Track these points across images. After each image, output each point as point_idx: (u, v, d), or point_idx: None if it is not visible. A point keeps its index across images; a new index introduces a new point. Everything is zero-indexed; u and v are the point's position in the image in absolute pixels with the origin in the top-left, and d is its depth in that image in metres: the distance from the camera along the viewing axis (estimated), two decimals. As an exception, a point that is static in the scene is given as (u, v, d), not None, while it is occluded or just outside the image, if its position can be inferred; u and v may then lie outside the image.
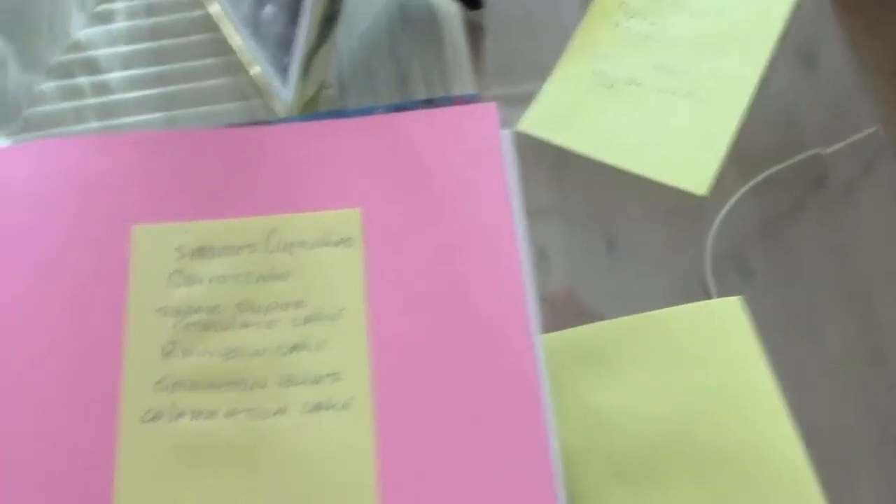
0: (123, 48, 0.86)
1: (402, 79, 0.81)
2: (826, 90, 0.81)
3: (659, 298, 0.71)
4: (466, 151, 0.66)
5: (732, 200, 0.75)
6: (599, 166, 0.77)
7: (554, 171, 0.78)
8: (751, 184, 0.75)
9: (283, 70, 0.77)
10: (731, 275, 0.73)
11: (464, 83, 0.81)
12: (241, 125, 0.70)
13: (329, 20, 0.74)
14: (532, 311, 0.62)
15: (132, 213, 0.65)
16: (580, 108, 0.79)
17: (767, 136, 0.79)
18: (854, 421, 0.68)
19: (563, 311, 0.71)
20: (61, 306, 0.60)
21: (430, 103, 0.70)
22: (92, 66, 0.85)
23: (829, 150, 0.76)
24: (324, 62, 0.76)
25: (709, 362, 0.67)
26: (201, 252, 0.64)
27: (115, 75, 0.85)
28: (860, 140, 0.77)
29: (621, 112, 0.79)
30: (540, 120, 0.78)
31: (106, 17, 0.88)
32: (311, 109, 0.77)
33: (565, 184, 0.78)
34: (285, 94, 0.77)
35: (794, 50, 0.82)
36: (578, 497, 0.63)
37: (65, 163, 0.64)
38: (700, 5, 0.83)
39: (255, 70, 0.79)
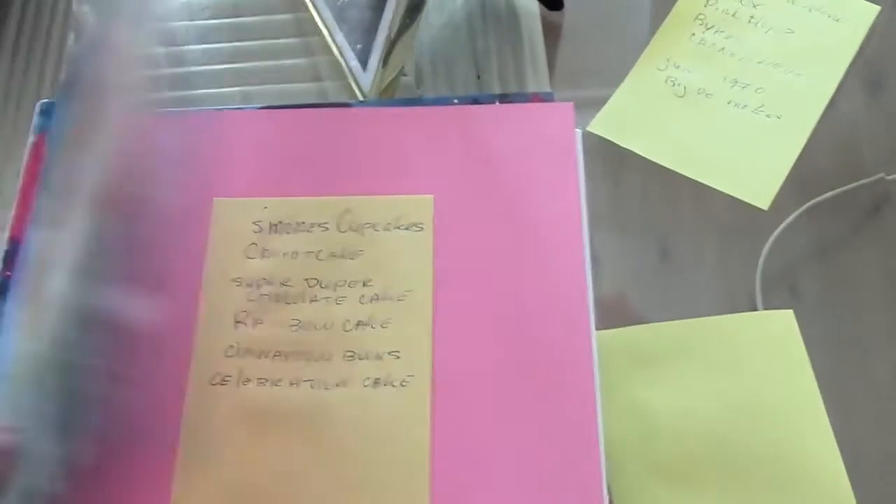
0: (202, 22, 0.88)
1: (478, 72, 0.83)
2: (893, 115, 0.82)
3: (708, 311, 0.72)
4: (541, 148, 0.68)
5: (788, 220, 0.75)
6: (658, 175, 0.78)
7: (612, 177, 0.79)
8: (808, 204, 0.76)
9: (364, 54, 0.79)
10: (780, 294, 0.73)
11: (539, 82, 0.82)
12: (322, 105, 0.72)
13: (414, 9, 0.76)
14: (590, 309, 0.64)
15: (215, 187, 0.67)
16: (650, 115, 0.80)
17: (829, 158, 0.79)
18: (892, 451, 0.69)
19: (612, 316, 0.72)
20: (149, 269, 0.62)
21: (506, 98, 0.71)
22: (169, 37, 0.87)
23: (891, 176, 0.77)
24: (405, 50, 0.78)
25: (758, 372, 0.68)
26: (277, 227, 0.66)
27: (193, 48, 0.87)
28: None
29: (690, 121, 0.80)
30: (609, 123, 0.80)
31: (189, -7, 0.90)
32: (387, 95, 0.79)
33: (622, 191, 0.79)
34: (364, 78, 0.78)
35: (863, 72, 0.83)
36: (619, 491, 0.64)
37: (161, 138, 0.66)
38: (777, 22, 0.84)
39: (336, 52, 0.81)
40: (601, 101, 0.81)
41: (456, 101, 0.72)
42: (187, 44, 0.87)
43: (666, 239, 0.77)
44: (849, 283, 0.74)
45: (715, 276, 0.75)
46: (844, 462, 0.66)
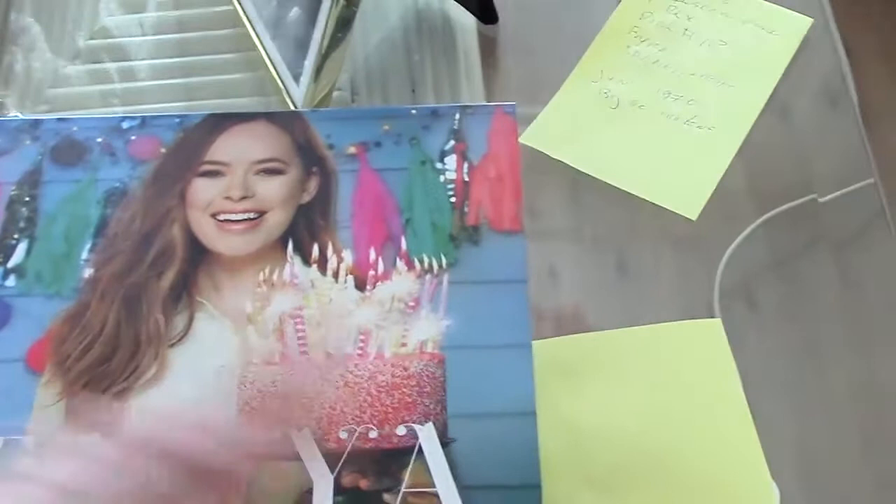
0: (151, 37, 0.89)
1: (412, 86, 0.83)
2: (835, 133, 0.83)
3: (666, 320, 0.72)
4: None
5: (744, 233, 0.76)
6: (615, 191, 0.78)
7: (570, 193, 0.79)
8: (764, 217, 0.76)
9: (296, 69, 0.79)
10: (738, 305, 0.74)
11: (474, 95, 0.83)
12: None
13: (344, 24, 0.77)
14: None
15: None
16: (583, 126, 0.81)
17: (787, 174, 0.80)
18: (851, 460, 0.69)
19: (569, 327, 0.72)
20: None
21: (467, 109, 0.72)
22: (120, 53, 0.88)
23: (824, 199, 0.77)
24: (336, 64, 0.79)
25: (684, 381, 0.69)
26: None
27: (141, 63, 0.87)
28: (858, 189, 0.78)
29: (623, 133, 0.80)
30: (542, 134, 0.80)
31: (135, 6, 0.91)
32: (322, 108, 0.80)
33: (580, 206, 0.79)
34: (297, 92, 0.79)
35: (795, 84, 0.84)
36: (549, 500, 0.64)
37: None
38: (710, 35, 0.85)
39: (270, 67, 0.82)
40: (533, 115, 0.81)
41: (413, 111, 0.73)
42: (137, 58, 0.88)
43: (623, 253, 0.77)
44: (803, 294, 0.75)
45: (673, 289, 0.75)
46: (800, 466, 0.67)
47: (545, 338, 0.70)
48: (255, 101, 0.84)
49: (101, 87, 0.86)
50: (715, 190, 0.77)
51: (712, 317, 0.72)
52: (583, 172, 0.78)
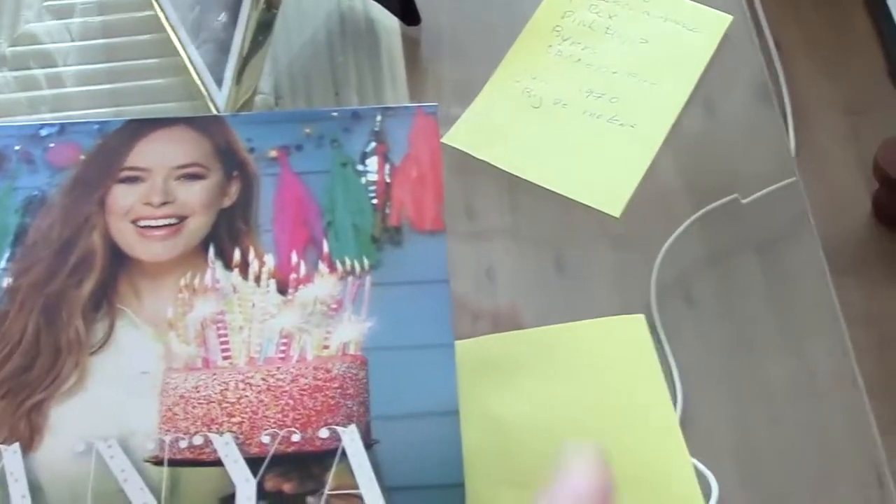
0: (77, 43, 0.88)
1: (336, 89, 0.83)
2: (760, 130, 0.84)
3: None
4: None
5: (678, 230, 0.77)
6: (549, 190, 0.79)
7: (507, 193, 0.80)
8: (699, 213, 0.77)
9: (218, 73, 0.79)
10: (675, 302, 0.75)
11: (398, 97, 0.83)
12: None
13: (264, 27, 0.77)
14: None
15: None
16: (506, 126, 0.81)
17: (715, 172, 0.81)
18: (789, 451, 0.70)
19: (507, 326, 0.73)
20: None
21: (389, 111, 0.72)
22: (47, 59, 0.87)
23: (748, 199, 0.78)
24: (258, 68, 0.79)
25: (609, 377, 0.69)
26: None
27: (68, 69, 0.87)
28: (781, 188, 0.79)
29: (546, 132, 0.81)
30: (465, 134, 0.80)
31: (61, 12, 0.90)
32: (244, 112, 0.80)
33: (518, 206, 0.80)
34: (220, 96, 0.79)
35: (717, 81, 0.85)
36: (474, 499, 0.64)
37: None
38: (632, 33, 0.86)
39: (193, 71, 0.82)
40: (458, 115, 0.82)
41: (335, 113, 0.73)
42: (64, 64, 0.87)
43: (561, 252, 0.78)
44: (738, 289, 0.76)
45: (611, 287, 0.76)
46: (742, 454, 0.68)
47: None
48: (181, 105, 0.83)
49: (28, 93, 0.85)
50: (648, 187, 0.78)
51: (648, 313, 0.73)
52: (510, 173, 0.79)
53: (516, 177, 0.79)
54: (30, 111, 0.84)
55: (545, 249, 0.78)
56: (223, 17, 0.79)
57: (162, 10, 0.86)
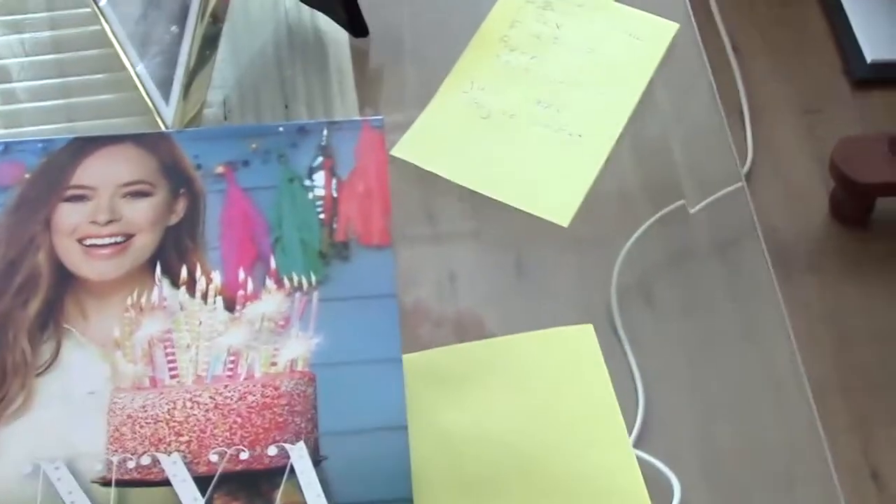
0: (28, 58, 0.88)
1: (285, 102, 0.83)
2: (706, 136, 0.85)
3: (565, 324, 0.73)
4: None
5: (636, 234, 0.77)
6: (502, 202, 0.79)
7: (468, 196, 0.80)
8: (657, 215, 0.78)
9: (165, 88, 0.79)
10: (636, 304, 0.75)
11: (347, 109, 0.83)
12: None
13: (210, 41, 0.76)
14: None
15: None
16: (454, 137, 0.81)
17: (667, 175, 0.82)
18: (751, 450, 0.70)
19: (468, 331, 0.73)
20: None
21: (335, 125, 0.72)
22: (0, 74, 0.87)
23: (695, 208, 0.79)
24: (205, 82, 0.79)
25: (558, 387, 0.70)
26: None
27: (21, 84, 0.86)
28: (727, 194, 0.80)
29: (494, 143, 0.81)
30: (413, 146, 0.81)
31: (13, 26, 0.89)
32: (193, 126, 0.79)
33: (478, 209, 0.80)
34: (167, 111, 0.78)
35: (664, 89, 0.85)
36: (425, 512, 0.65)
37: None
38: (578, 43, 0.86)
39: (140, 87, 0.81)
40: (407, 126, 0.82)
41: (281, 128, 0.73)
42: (17, 80, 0.86)
43: (522, 255, 0.78)
44: (695, 291, 0.77)
45: (572, 290, 0.77)
46: (704, 455, 0.69)
47: (443, 344, 0.71)
48: (132, 121, 0.83)
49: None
50: (605, 193, 0.79)
51: (610, 316, 0.73)
52: (459, 185, 0.79)
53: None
54: (-20, 126, 0.84)
55: (506, 254, 0.78)
56: (168, 31, 0.79)
57: (108, 24, 0.85)
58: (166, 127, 0.79)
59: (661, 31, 0.87)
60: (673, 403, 0.71)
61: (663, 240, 0.78)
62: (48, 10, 0.91)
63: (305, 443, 0.62)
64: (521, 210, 0.78)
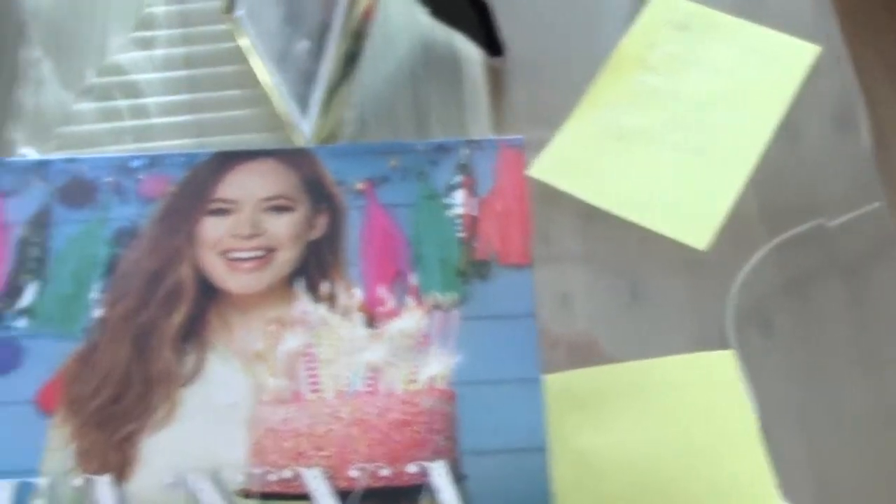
0: (160, 74, 0.89)
1: (420, 119, 0.83)
2: (845, 157, 0.83)
3: (679, 348, 0.72)
4: None
5: (756, 257, 0.76)
6: (636, 223, 0.79)
7: (582, 219, 0.80)
8: (775, 241, 0.77)
9: (304, 104, 0.79)
10: (751, 330, 0.74)
11: (481, 127, 0.83)
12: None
13: (352, 58, 0.77)
14: None
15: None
16: (590, 158, 0.81)
17: (796, 199, 0.80)
18: (867, 483, 0.69)
19: (583, 355, 0.72)
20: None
21: (473, 143, 0.72)
22: (130, 90, 0.88)
23: (834, 222, 0.77)
24: (345, 98, 0.79)
25: (698, 413, 0.69)
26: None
27: (152, 100, 0.88)
28: (868, 213, 0.78)
29: (630, 164, 0.80)
30: (550, 166, 0.80)
31: (145, 43, 0.91)
32: (330, 143, 0.80)
33: (592, 232, 0.79)
34: (305, 127, 0.79)
35: (803, 113, 0.84)
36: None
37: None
38: (716, 64, 0.85)
39: (278, 103, 0.82)
40: (541, 146, 0.82)
41: (420, 146, 0.73)
42: (148, 95, 0.88)
43: (636, 279, 0.77)
44: (816, 317, 0.75)
45: (686, 314, 0.76)
46: (817, 490, 0.67)
47: (557, 365, 0.71)
48: (263, 136, 0.84)
49: (111, 124, 0.86)
50: (731, 215, 0.78)
51: (725, 341, 0.72)
52: (594, 206, 0.78)
53: (594, 207, 0.78)
54: (114, 142, 0.85)
55: (620, 277, 0.77)
56: (308, 48, 0.79)
57: (248, 40, 0.86)
58: (304, 143, 0.79)
59: (801, 54, 0.85)
60: (788, 432, 0.69)
61: (787, 262, 0.76)
62: (182, 27, 0.92)
63: (445, 461, 0.61)
64: (654, 233, 0.77)
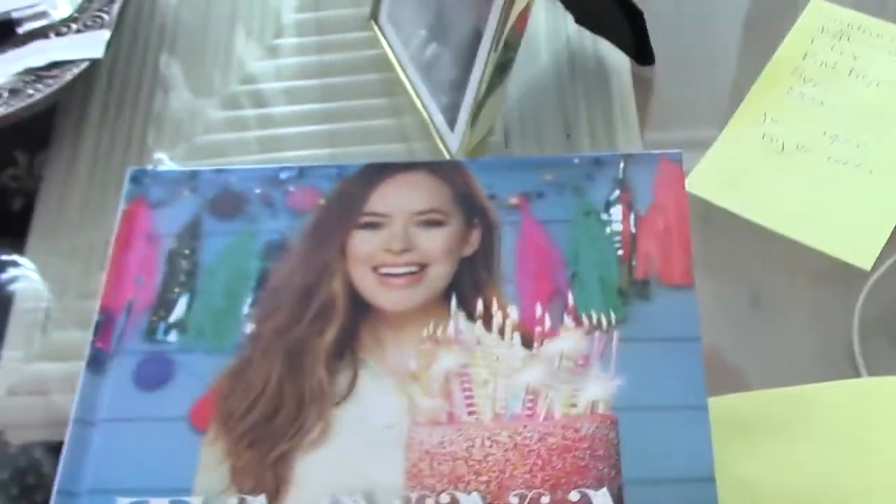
0: (291, 83, 0.88)
1: (567, 131, 0.81)
2: None
3: (802, 361, 0.70)
4: None
5: (884, 267, 0.73)
6: (745, 222, 0.76)
7: (700, 224, 0.76)
8: None
9: (451, 114, 0.77)
10: (879, 343, 0.71)
11: (630, 138, 0.81)
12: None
13: (502, 68, 0.75)
14: None
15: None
16: (747, 171, 0.78)
17: None
18: None
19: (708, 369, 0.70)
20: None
21: (631, 158, 0.70)
22: (258, 99, 0.87)
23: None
24: (493, 110, 0.77)
25: (867, 441, 0.66)
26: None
27: (280, 109, 0.87)
28: None
29: (789, 178, 0.77)
30: (706, 180, 0.78)
31: (278, 52, 0.90)
32: (475, 156, 0.78)
33: (710, 237, 0.77)
34: (452, 139, 0.77)
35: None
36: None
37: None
38: (878, 75, 0.82)
39: (423, 113, 0.81)
40: (695, 158, 0.79)
41: (576, 160, 0.71)
42: (276, 105, 0.87)
43: (757, 287, 0.75)
44: None
45: (809, 326, 0.73)
46: None
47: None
48: (398, 147, 0.83)
49: (245, 133, 0.85)
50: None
51: (851, 353, 0.70)
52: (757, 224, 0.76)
53: (715, 208, 0.76)
54: (248, 151, 0.84)
55: (742, 286, 0.75)
56: (454, 58, 0.78)
57: (391, 49, 0.85)
58: (450, 155, 0.78)
59: (966, 63, 0.82)
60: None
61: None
62: (317, 35, 0.91)
63: (609, 490, 0.59)
64: (820, 254, 0.74)
